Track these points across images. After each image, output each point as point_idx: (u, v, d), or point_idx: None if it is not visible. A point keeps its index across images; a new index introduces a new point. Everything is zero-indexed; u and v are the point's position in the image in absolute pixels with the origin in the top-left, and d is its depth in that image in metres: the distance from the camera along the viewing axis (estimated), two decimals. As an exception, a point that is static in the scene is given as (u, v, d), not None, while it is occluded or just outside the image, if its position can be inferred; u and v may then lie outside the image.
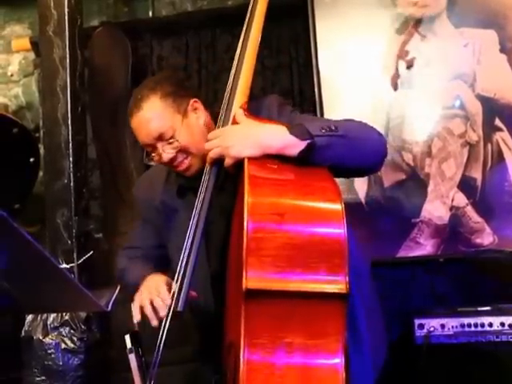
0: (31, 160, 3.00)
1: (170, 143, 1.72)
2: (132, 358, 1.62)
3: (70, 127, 2.82)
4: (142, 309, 1.65)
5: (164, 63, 3.34)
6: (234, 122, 1.66)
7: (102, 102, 3.24)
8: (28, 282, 1.43)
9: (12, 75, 3.68)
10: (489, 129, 2.89)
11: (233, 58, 3.38)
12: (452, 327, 2.54)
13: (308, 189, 1.48)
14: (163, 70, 3.33)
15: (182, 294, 1.58)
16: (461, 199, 2.90)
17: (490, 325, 2.51)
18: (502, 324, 2.49)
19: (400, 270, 3.00)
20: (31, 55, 3.60)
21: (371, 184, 3.01)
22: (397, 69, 3.01)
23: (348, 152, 1.56)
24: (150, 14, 3.43)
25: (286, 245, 1.38)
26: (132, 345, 1.63)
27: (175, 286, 1.60)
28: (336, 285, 1.38)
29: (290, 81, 3.27)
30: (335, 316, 1.40)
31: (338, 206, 1.42)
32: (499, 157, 2.86)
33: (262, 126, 1.61)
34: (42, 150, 3.10)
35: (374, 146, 1.64)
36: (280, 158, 1.55)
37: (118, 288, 1.61)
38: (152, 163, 1.80)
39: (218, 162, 1.63)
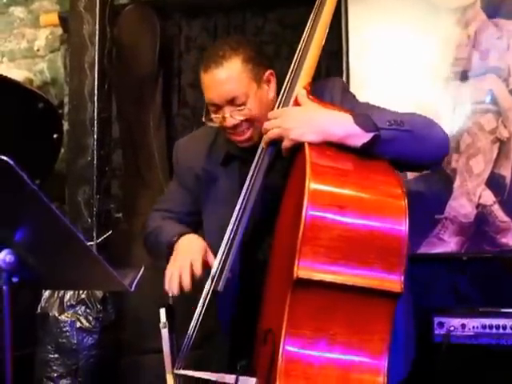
0: (54, 136, 2.96)
1: (241, 110, 1.67)
2: (165, 333, 1.58)
3: (95, 104, 2.80)
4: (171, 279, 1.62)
5: (192, 44, 3.29)
6: (296, 103, 1.61)
7: (128, 81, 3.20)
8: (53, 257, 1.41)
9: (38, 50, 3.65)
10: (521, 126, 2.82)
11: (262, 42, 3.33)
12: (473, 327, 2.49)
13: (370, 182, 1.44)
14: (191, 51, 3.29)
15: (223, 275, 1.55)
16: (488, 197, 2.83)
17: (513, 327, 2.46)
18: (526, 327, 2.44)
19: (421, 267, 2.94)
20: (58, 30, 3.55)
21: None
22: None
23: (411, 147, 1.53)
24: (181, -7, 3.38)
25: (343, 237, 1.35)
26: (166, 319, 1.59)
27: (216, 265, 1.58)
28: (390, 283, 1.35)
29: (317, 68, 3.21)
30: (384, 314, 1.37)
31: (401, 203, 1.39)
32: (531, 155, 2.79)
33: (325, 111, 1.56)
34: (65, 127, 3.08)
35: (438, 144, 1.61)
36: (339, 146, 1.50)
37: (143, 269, 1.58)
38: (211, 124, 1.74)
39: (275, 142, 1.58)
